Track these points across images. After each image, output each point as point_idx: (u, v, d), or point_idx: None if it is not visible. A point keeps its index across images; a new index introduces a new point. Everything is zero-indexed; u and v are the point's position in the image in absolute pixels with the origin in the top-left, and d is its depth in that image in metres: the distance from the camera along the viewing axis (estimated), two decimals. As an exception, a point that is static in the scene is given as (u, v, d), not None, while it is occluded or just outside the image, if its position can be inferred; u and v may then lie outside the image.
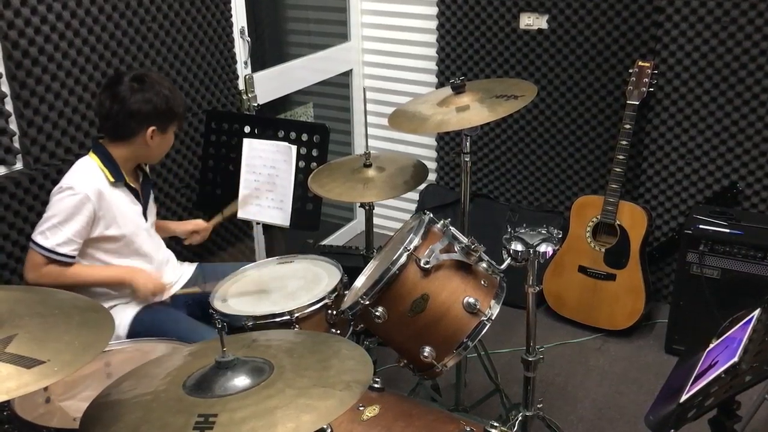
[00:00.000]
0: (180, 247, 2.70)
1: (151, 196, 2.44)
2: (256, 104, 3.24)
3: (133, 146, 2.24)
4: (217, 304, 2.24)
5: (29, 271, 2.21)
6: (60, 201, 2.15)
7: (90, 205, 2.16)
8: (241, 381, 1.31)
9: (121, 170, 2.26)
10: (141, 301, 2.33)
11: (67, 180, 2.19)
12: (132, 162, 2.31)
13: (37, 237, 2.17)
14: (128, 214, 2.28)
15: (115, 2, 2.55)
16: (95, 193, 2.17)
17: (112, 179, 2.22)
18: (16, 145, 2.36)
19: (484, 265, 1.98)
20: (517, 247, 1.99)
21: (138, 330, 2.27)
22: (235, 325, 2.13)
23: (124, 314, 2.31)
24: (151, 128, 2.22)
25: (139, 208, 2.33)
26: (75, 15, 2.43)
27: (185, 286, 2.50)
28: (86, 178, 2.19)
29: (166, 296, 2.37)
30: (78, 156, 2.50)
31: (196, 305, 2.45)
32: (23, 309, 1.37)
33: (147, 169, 2.44)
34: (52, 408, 1.83)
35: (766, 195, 3.08)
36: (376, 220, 2.90)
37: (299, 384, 1.29)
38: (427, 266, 1.86)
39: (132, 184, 2.31)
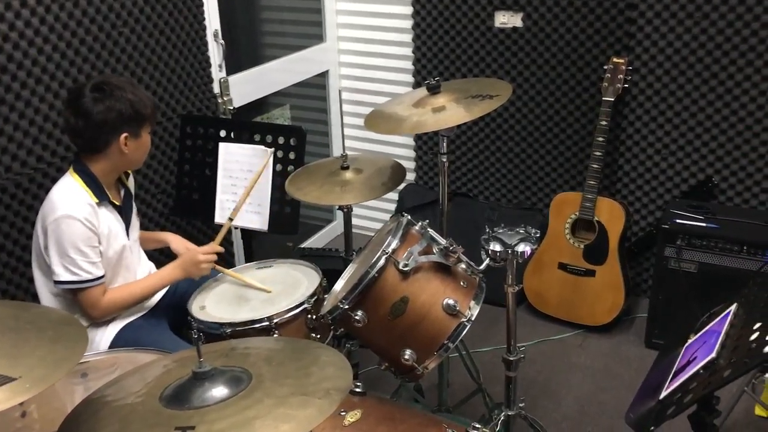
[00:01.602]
0: (157, 253, 2.67)
1: (134, 211, 2.40)
2: (231, 107, 3.22)
3: (110, 157, 2.19)
4: (195, 311, 2.22)
5: (93, 309, 2.20)
6: (67, 230, 2.10)
7: (91, 225, 2.13)
8: (219, 391, 1.29)
9: (104, 188, 2.21)
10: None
11: (59, 208, 2.11)
12: (114, 174, 2.26)
13: (71, 276, 2.12)
14: (115, 233, 2.25)
15: (84, 7, 2.52)
16: (90, 214, 2.14)
17: (96, 200, 2.17)
18: (-13, 154, 2.32)
19: (463, 266, 1.97)
20: (496, 247, 1.98)
21: (119, 347, 2.23)
22: (213, 332, 2.12)
23: (106, 331, 2.29)
24: (123, 135, 2.16)
25: (123, 226, 2.30)
26: (44, 21, 2.39)
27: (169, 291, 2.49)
28: (76, 200, 2.13)
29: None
30: (50, 164, 2.48)
31: (176, 313, 2.43)
32: (-6, 324, 1.34)
33: (130, 183, 2.40)
34: (29, 422, 1.80)
35: (741, 188, 3.11)
36: (355, 221, 2.89)
37: (278, 393, 1.28)
38: (406, 269, 1.85)
39: (115, 201, 2.26)
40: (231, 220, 2.51)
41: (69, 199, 2.13)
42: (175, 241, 2.54)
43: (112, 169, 2.23)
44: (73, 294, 2.18)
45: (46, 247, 2.13)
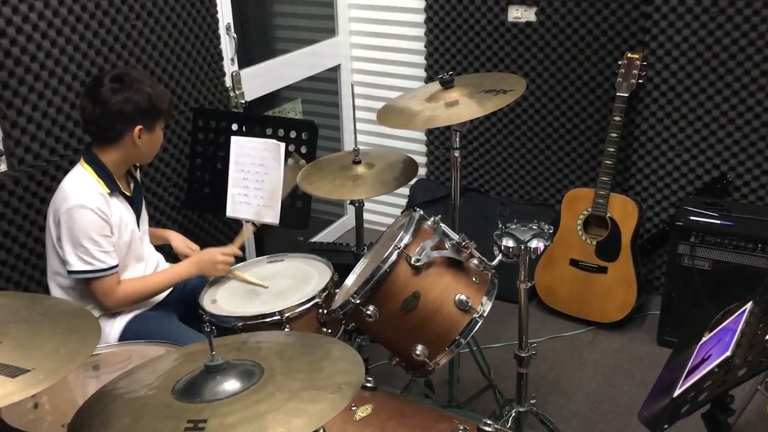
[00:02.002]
0: (169, 248, 2.67)
1: (143, 203, 2.41)
2: (243, 101, 3.21)
3: (123, 148, 2.20)
4: (207, 305, 2.23)
5: (107, 299, 2.20)
6: (80, 220, 2.10)
7: (103, 214, 2.14)
8: (231, 385, 1.29)
9: (115, 179, 2.21)
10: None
11: (71, 198, 2.11)
12: (124, 166, 2.27)
13: (85, 266, 2.13)
14: (126, 223, 2.26)
15: (98, 0, 2.52)
16: (102, 203, 2.15)
17: (108, 190, 2.18)
18: (0, 147, 2.32)
19: (476, 261, 1.96)
20: (509, 243, 1.98)
21: (129, 338, 2.24)
22: (224, 325, 2.12)
23: (115, 322, 2.29)
24: (138, 127, 2.17)
25: (133, 216, 2.30)
26: (57, 13, 2.39)
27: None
28: (88, 190, 2.14)
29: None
30: (63, 157, 2.48)
31: (185, 307, 2.44)
32: (8, 315, 1.34)
33: (138, 175, 2.41)
34: (41, 413, 1.81)
35: (756, 185, 3.08)
36: (366, 216, 2.88)
37: (290, 387, 1.28)
38: (418, 264, 1.84)
39: (126, 192, 2.27)
40: (255, 225, 2.51)
41: (81, 189, 2.14)
42: (176, 239, 2.54)
43: (123, 161, 2.24)
44: (87, 284, 2.19)
45: (59, 238, 2.14)
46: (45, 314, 1.37)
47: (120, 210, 2.23)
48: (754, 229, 2.82)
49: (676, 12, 3.00)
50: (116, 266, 2.19)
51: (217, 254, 2.35)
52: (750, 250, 2.80)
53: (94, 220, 2.12)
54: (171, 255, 2.55)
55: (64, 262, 2.16)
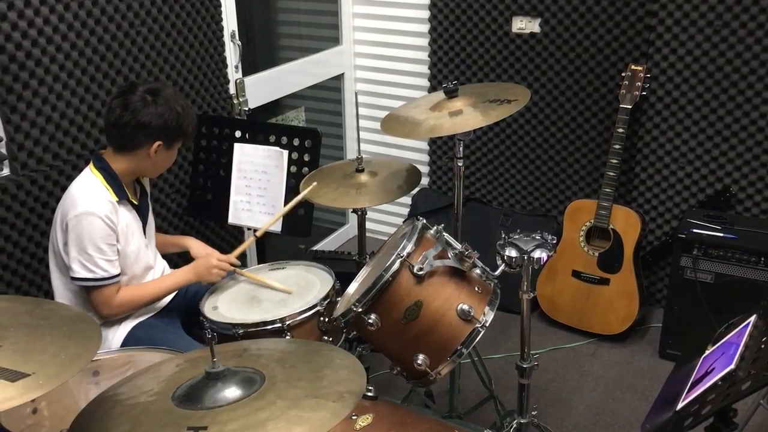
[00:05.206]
0: (176, 257, 2.67)
1: (150, 211, 2.41)
2: (247, 108, 3.22)
3: (135, 159, 2.20)
4: (208, 312, 2.22)
5: (105, 308, 2.19)
6: (88, 227, 2.10)
7: (111, 222, 2.14)
8: (232, 392, 1.28)
9: (124, 187, 2.22)
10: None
11: (80, 204, 2.12)
12: (132, 175, 2.27)
13: (87, 273, 2.13)
14: (132, 231, 2.26)
15: (103, 6, 2.52)
16: (111, 211, 2.15)
17: (116, 198, 2.18)
18: (3, 150, 2.32)
19: (478, 271, 1.96)
20: (512, 253, 1.97)
21: (131, 345, 2.23)
22: (225, 332, 2.11)
23: (118, 329, 2.29)
24: (158, 143, 2.18)
25: (140, 224, 2.30)
26: (63, 19, 2.40)
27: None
28: (97, 197, 2.14)
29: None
30: (66, 162, 2.48)
31: (188, 312, 2.43)
32: (8, 319, 1.33)
33: (146, 184, 2.40)
34: (39, 419, 1.80)
35: (759, 199, 3.08)
36: (368, 225, 2.88)
37: (291, 395, 1.27)
38: (421, 273, 1.83)
39: (133, 200, 2.27)
40: (256, 237, 2.50)
41: (90, 196, 2.14)
42: (196, 246, 2.52)
43: (132, 171, 2.25)
44: (87, 291, 2.18)
45: (66, 243, 2.14)
46: (46, 318, 1.36)
47: (127, 218, 2.23)
48: (758, 242, 2.81)
49: (680, 25, 3.00)
50: (118, 275, 2.19)
51: (213, 259, 2.35)
52: (753, 263, 2.79)
53: (101, 227, 2.12)
54: (189, 261, 2.52)
55: (68, 267, 2.16)
